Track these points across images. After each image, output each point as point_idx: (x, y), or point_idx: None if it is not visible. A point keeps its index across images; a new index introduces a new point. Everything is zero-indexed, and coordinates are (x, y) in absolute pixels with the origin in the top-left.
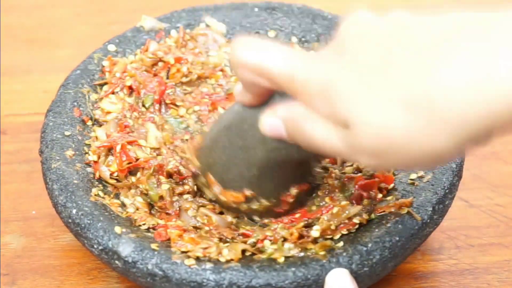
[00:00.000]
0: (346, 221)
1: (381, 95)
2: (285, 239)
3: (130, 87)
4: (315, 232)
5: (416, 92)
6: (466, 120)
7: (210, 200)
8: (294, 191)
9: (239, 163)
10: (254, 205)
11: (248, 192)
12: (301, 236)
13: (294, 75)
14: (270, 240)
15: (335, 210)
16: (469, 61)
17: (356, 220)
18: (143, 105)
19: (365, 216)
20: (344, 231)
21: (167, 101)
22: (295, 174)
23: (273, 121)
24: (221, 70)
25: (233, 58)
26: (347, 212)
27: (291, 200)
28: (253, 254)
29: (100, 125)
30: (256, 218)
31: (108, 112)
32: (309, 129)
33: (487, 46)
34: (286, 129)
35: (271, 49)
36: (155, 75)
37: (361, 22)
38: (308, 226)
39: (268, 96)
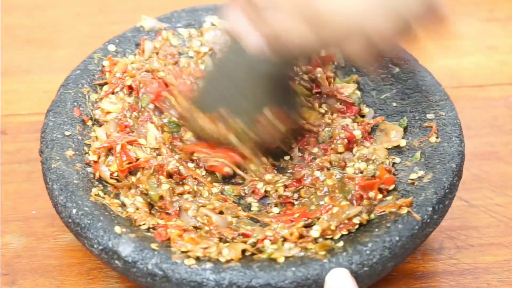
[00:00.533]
0: (346, 221)
1: None
2: (285, 239)
3: (130, 87)
4: (315, 232)
5: None
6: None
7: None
8: (268, 112)
9: (222, 90)
10: (230, 124)
11: (223, 111)
12: (301, 236)
13: None
14: (270, 240)
15: (335, 210)
16: None
17: (356, 220)
18: (142, 106)
19: (365, 216)
20: (344, 231)
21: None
22: (270, 97)
23: (255, 38)
24: None
25: None
26: (347, 212)
27: (264, 122)
28: (253, 254)
29: (100, 125)
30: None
31: (108, 112)
32: (287, 35)
33: None
34: (268, 43)
35: None
36: (154, 77)
37: None
38: (308, 226)
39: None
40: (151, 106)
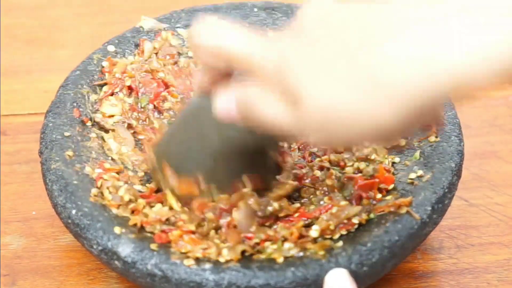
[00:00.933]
0: (346, 221)
1: (330, 72)
2: (285, 239)
3: (129, 87)
4: (314, 232)
5: (361, 67)
6: (407, 92)
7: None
8: (246, 181)
9: (195, 152)
10: (207, 193)
11: (202, 184)
12: (300, 236)
13: (252, 54)
14: (270, 240)
15: (334, 210)
16: (413, 39)
17: (355, 220)
18: (141, 106)
19: (364, 216)
20: (344, 231)
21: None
22: (250, 165)
23: (225, 103)
24: None
25: (193, 41)
26: (346, 212)
27: (244, 190)
28: (252, 254)
29: (101, 128)
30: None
31: (111, 116)
32: (261, 107)
33: (431, 28)
34: (239, 110)
35: (230, 31)
36: (153, 77)
37: (320, 7)
38: (308, 226)
39: (226, 82)
40: (151, 106)
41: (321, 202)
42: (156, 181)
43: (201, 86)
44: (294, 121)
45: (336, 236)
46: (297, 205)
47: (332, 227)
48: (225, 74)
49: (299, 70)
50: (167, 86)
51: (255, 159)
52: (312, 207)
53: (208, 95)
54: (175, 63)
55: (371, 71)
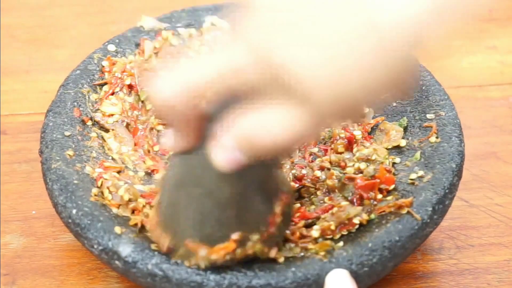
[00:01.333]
0: (346, 221)
1: (323, 41)
2: (286, 240)
3: (129, 86)
4: (315, 232)
5: (351, 21)
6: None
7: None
8: (278, 208)
9: (210, 212)
10: (249, 246)
11: (235, 236)
12: (302, 236)
13: (232, 77)
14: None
15: (334, 210)
16: None
17: (356, 220)
18: (141, 101)
19: (365, 216)
20: (344, 232)
21: None
22: (269, 191)
23: (227, 154)
24: None
25: (156, 101)
26: (347, 212)
27: (278, 219)
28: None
29: (101, 127)
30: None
31: (111, 115)
32: (268, 129)
33: None
34: (244, 152)
35: (190, 68)
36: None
37: None
38: (308, 226)
39: (204, 128)
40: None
41: (321, 202)
42: (182, 257)
43: (179, 147)
44: (309, 117)
45: (337, 237)
46: (297, 205)
47: (333, 227)
48: (202, 120)
49: (292, 53)
50: None
51: (272, 184)
52: (312, 207)
53: (190, 151)
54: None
55: (362, 20)
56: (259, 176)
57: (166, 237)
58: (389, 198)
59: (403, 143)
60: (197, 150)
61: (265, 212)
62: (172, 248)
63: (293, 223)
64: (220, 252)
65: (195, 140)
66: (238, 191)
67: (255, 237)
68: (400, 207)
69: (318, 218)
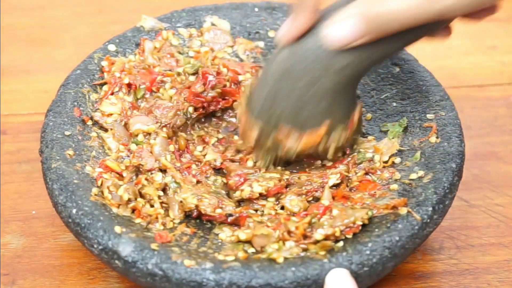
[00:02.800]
0: (352, 224)
1: None
2: (289, 232)
3: (128, 85)
4: (318, 235)
5: None
6: None
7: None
8: (356, 114)
9: (309, 100)
10: (335, 136)
11: (327, 122)
12: (304, 237)
13: None
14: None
15: (334, 212)
16: None
17: (359, 221)
18: (138, 98)
19: (365, 216)
20: (349, 235)
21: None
22: (354, 94)
23: (344, 28)
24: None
25: None
26: (352, 218)
27: (355, 125)
28: (253, 253)
29: (101, 127)
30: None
31: (110, 114)
32: (387, 4)
33: None
34: (366, 23)
35: None
36: (150, 72)
37: None
38: (312, 225)
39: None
40: (148, 95)
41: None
42: (268, 147)
43: (294, 26)
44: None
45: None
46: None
47: (337, 234)
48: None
49: None
50: (162, 75)
51: (343, 105)
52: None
53: (298, 41)
54: (177, 61)
55: None
56: (357, 70)
57: (255, 129)
58: (385, 199)
59: (397, 159)
60: (304, 40)
61: (349, 111)
62: (259, 140)
63: (297, 218)
64: (310, 138)
65: (310, 17)
66: (338, 82)
67: (340, 127)
68: (393, 207)
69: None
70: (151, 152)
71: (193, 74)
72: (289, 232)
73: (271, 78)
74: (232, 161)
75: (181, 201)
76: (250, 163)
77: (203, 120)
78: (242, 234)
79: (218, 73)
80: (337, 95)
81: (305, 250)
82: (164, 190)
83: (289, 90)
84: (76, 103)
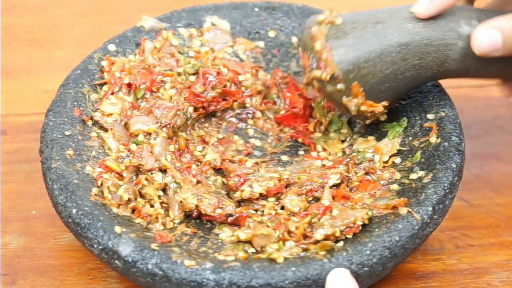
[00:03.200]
0: (352, 224)
1: None
2: (289, 232)
3: (128, 85)
4: (318, 235)
5: None
6: None
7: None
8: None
9: (402, 82)
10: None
11: (384, 103)
12: (305, 237)
13: None
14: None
15: (335, 212)
16: None
17: (359, 221)
18: (138, 98)
19: (365, 216)
20: (350, 235)
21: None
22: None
23: (491, 34)
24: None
25: None
26: (352, 218)
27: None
28: (253, 253)
29: (101, 127)
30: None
31: (110, 114)
32: None
33: None
34: (505, 37)
35: None
36: (150, 72)
37: None
38: (312, 225)
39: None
40: (148, 95)
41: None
42: (330, 91)
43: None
44: None
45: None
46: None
47: (338, 234)
48: None
49: None
50: (162, 75)
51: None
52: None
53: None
54: (177, 61)
55: None
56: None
57: (337, 71)
58: (384, 199)
59: (397, 160)
60: (432, 25)
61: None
62: (332, 79)
63: (297, 218)
64: (368, 108)
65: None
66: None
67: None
68: (393, 207)
69: (318, 214)
70: (151, 152)
71: (193, 74)
72: (289, 232)
73: (384, 42)
74: (232, 161)
75: (181, 201)
76: (249, 164)
77: (203, 120)
78: (242, 234)
79: (219, 73)
80: (407, 88)
81: (305, 250)
82: (164, 190)
83: (396, 63)
84: (76, 103)
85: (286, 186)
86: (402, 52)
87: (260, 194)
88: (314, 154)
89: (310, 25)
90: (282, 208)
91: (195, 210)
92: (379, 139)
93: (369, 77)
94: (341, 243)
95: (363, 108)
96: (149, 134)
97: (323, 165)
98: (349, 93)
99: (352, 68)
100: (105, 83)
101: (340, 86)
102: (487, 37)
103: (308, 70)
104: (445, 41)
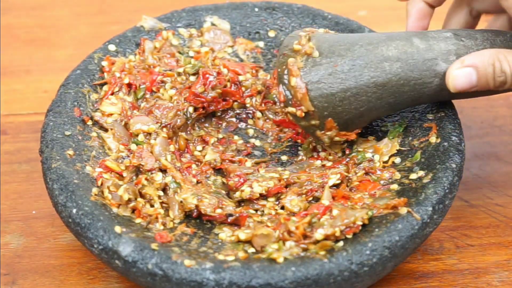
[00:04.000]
0: (352, 224)
1: None
2: (289, 232)
3: (128, 85)
4: (318, 235)
5: None
6: None
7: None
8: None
9: (375, 115)
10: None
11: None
12: (305, 236)
13: None
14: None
15: (334, 212)
16: None
17: (359, 221)
18: (138, 98)
19: (365, 216)
20: (350, 235)
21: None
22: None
23: (466, 72)
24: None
25: None
26: (352, 218)
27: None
28: (253, 253)
29: (101, 127)
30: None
31: (110, 114)
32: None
33: None
34: (480, 74)
35: None
36: (151, 72)
37: None
38: (312, 225)
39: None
40: (148, 95)
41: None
42: (305, 126)
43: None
44: None
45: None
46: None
47: (338, 234)
48: None
49: None
50: (162, 75)
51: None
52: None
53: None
54: (177, 61)
55: None
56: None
57: (311, 108)
58: (384, 199)
59: (397, 160)
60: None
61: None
62: (307, 115)
63: (297, 218)
64: (341, 137)
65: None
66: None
67: None
68: (393, 207)
69: (318, 214)
70: (151, 152)
71: (194, 74)
72: (289, 232)
73: (360, 81)
74: (232, 161)
75: (181, 201)
76: (249, 164)
77: (203, 120)
78: (242, 234)
79: (219, 74)
80: (382, 116)
81: (305, 250)
82: (164, 190)
83: (371, 101)
84: (76, 103)
85: (286, 186)
86: (378, 92)
87: (260, 194)
88: (314, 154)
89: (286, 53)
90: (282, 208)
91: (195, 210)
92: (379, 139)
93: (344, 114)
94: (341, 243)
95: (336, 138)
96: (149, 134)
97: (323, 165)
98: (323, 127)
99: (327, 106)
100: (105, 83)
101: (314, 122)
102: (462, 76)
103: (283, 105)
104: (422, 80)
